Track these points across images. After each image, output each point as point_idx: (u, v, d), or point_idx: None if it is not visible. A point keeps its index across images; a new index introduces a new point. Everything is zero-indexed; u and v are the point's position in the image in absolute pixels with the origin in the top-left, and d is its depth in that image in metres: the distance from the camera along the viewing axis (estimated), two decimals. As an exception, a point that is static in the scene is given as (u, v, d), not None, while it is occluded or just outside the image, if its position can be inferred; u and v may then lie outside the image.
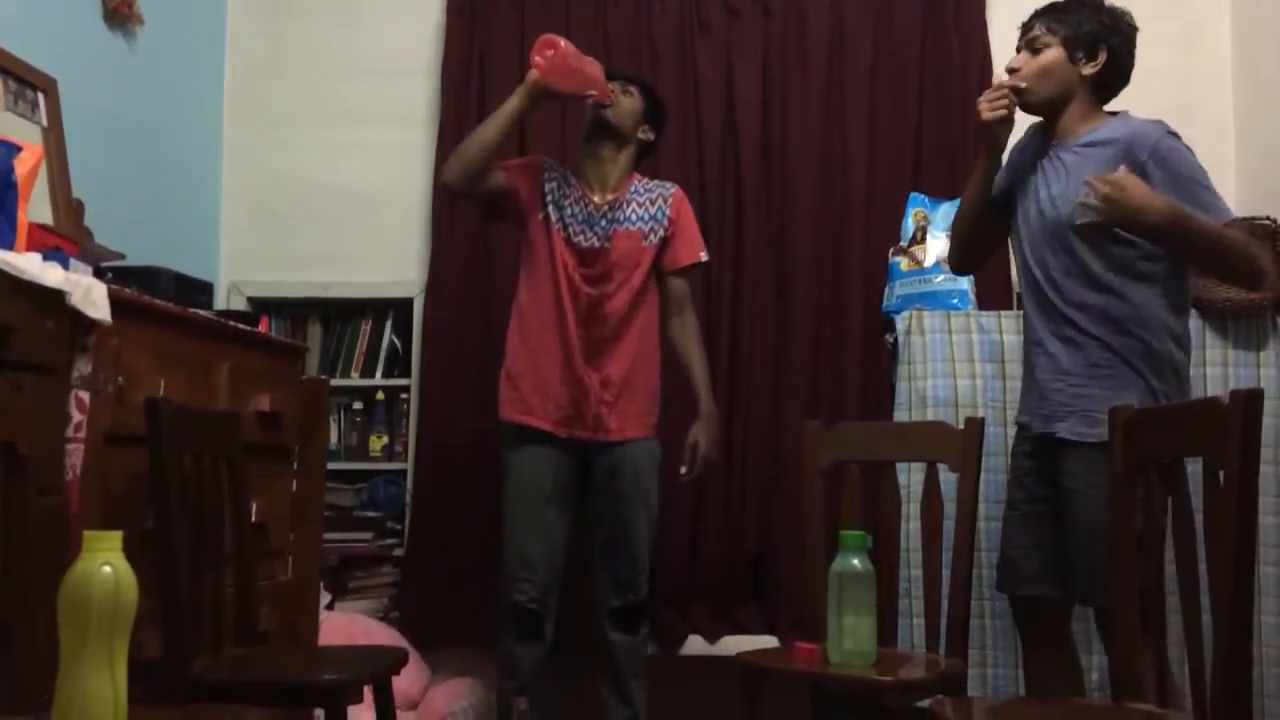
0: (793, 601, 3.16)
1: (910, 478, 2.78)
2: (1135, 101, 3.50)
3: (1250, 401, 1.52)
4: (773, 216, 3.45)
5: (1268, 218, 2.97)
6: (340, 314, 3.63)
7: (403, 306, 3.60)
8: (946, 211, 3.22)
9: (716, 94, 3.47)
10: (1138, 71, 3.47)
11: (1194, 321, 2.94)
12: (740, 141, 3.45)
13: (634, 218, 2.85)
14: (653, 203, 2.87)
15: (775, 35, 3.49)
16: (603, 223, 2.82)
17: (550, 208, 2.83)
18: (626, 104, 2.85)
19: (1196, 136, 3.42)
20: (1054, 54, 2.32)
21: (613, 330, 2.79)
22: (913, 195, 3.31)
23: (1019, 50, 2.38)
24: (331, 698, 2.02)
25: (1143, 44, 3.49)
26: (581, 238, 2.81)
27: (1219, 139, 3.46)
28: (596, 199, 2.84)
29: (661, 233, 2.85)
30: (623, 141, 2.87)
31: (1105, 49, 2.32)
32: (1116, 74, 2.36)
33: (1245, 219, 2.98)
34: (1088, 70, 2.33)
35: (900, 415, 2.99)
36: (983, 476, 2.48)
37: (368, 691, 2.19)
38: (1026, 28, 2.38)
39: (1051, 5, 2.37)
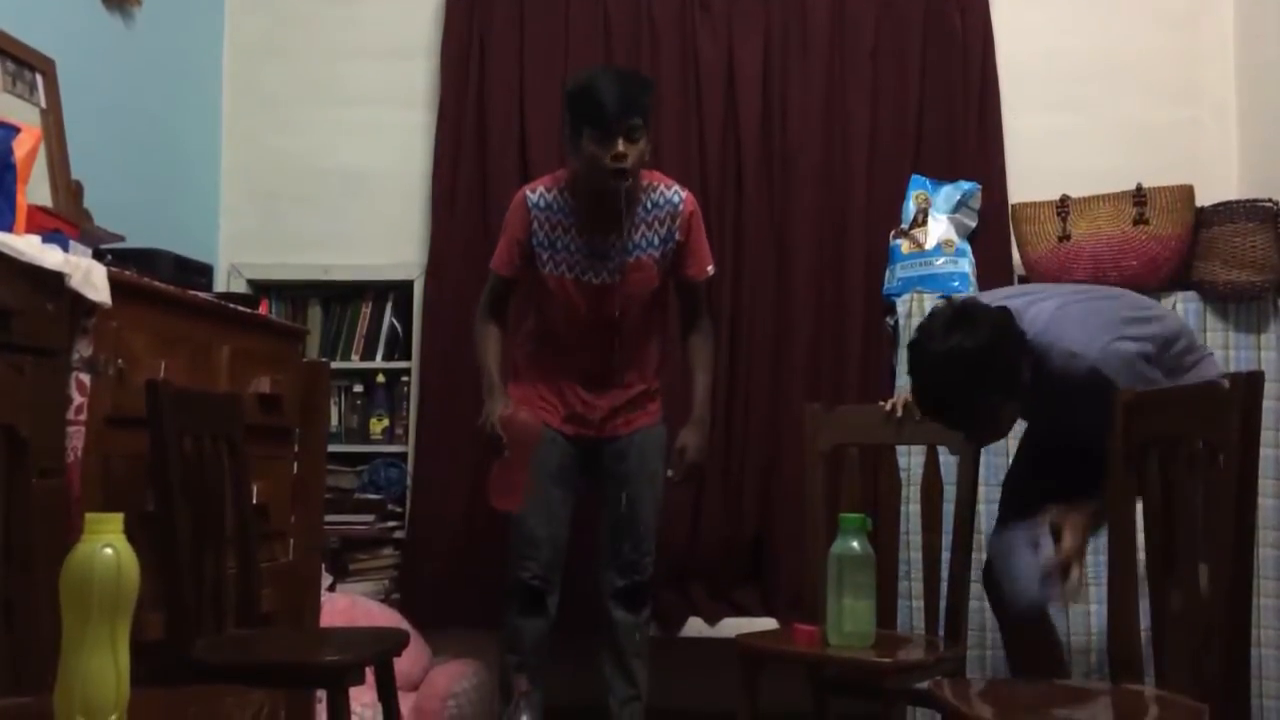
0: (792, 583, 3.17)
1: (910, 460, 2.79)
2: (1139, 81, 3.52)
3: (1251, 384, 1.52)
4: (773, 198, 3.43)
5: (1269, 199, 2.97)
6: (340, 296, 3.63)
7: (403, 289, 3.59)
8: (948, 194, 3.23)
9: (717, 75, 3.45)
10: (1141, 52, 3.49)
11: (1195, 304, 2.95)
12: (741, 123, 3.43)
13: (644, 244, 2.72)
14: (661, 222, 2.72)
15: (776, 15, 3.47)
16: (612, 254, 2.70)
17: (547, 259, 2.71)
18: (635, 157, 2.58)
19: (1199, 117, 3.45)
20: (1003, 410, 2.17)
21: (626, 346, 2.79)
22: (914, 177, 3.31)
23: (968, 430, 2.26)
24: (333, 679, 2.02)
25: (1145, 23, 3.51)
26: (592, 274, 2.71)
27: (1221, 120, 3.45)
28: (603, 234, 2.69)
29: (672, 256, 2.76)
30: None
31: (1018, 375, 2.13)
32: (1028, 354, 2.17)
33: (1247, 201, 2.98)
34: (1017, 400, 2.17)
35: (901, 398, 3.00)
36: (982, 459, 2.48)
37: (369, 673, 2.20)
38: (952, 424, 2.22)
39: (958, 394, 2.10)
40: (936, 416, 2.18)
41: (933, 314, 2.17)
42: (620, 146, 2.55)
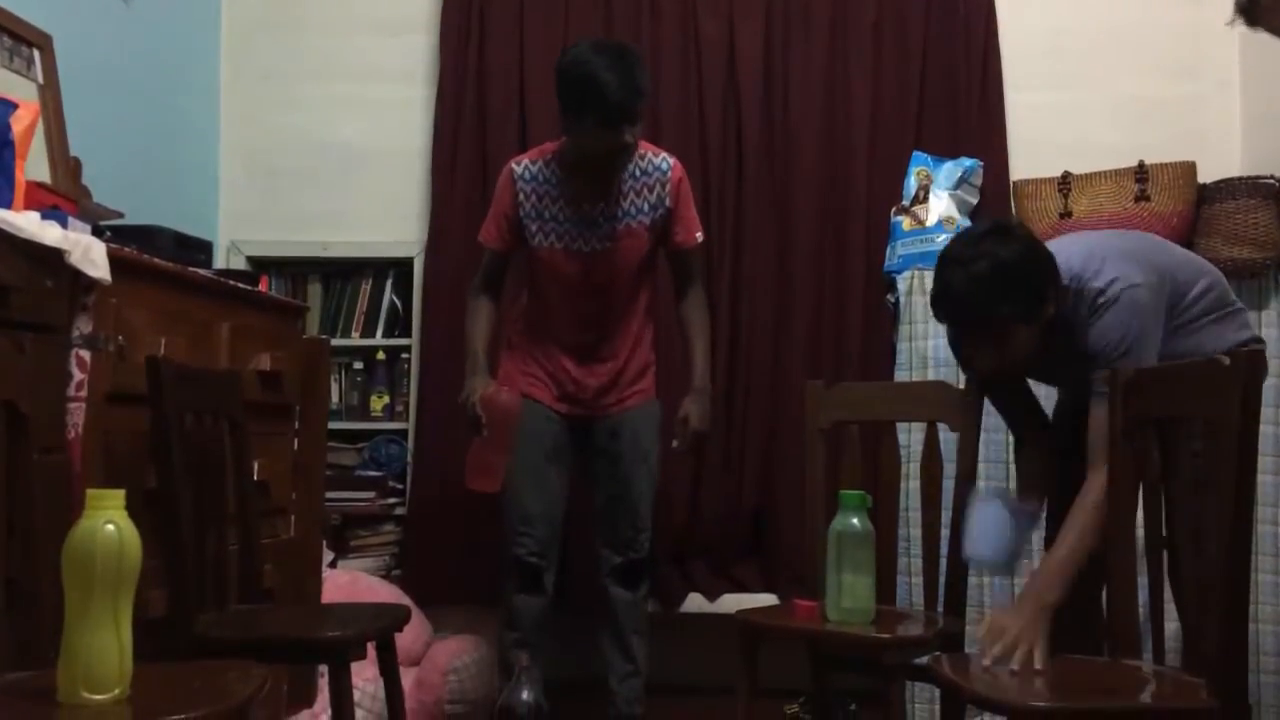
0: (792, 560, 3.18)
1: (910, 437, 2.79)
2: (1142, 57, 3.51)
3: (1252, 362, 1.52)
4: (774, 175, 3.43)
5: (1271, 176, 2.96)
6: (340, 273, 3.62)
7: (403, 266, 3.59)
8: (950, 170, 3.21)
9: (718, 51, 3.44)
10: (1144, 27, 3.47)
11: (1196, 282, 2.94)
12: (742, 99, 3.42)
13: (633, 210, 2.71)
14: (650, 189, 2.72)
15: (778, -10, 3.45)
16: (602, 222, 2.70)
17: (536, 230, 2.71)
18: (628, 148, 2.61)
19: (1202, 93, 3.44)
20: (1019, 336, 2.06)
21: (617, 316, 2.79)
22: (915, 154, 3.29)
23: (978, 344, 2.16)
24: (335, 654, 2.03)
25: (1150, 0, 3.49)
26: (582, 242, 2.71)
27: (1225, 96, 3.43)
28: (590, 203, 2.69)
29: (662, 223, 2.75)
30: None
31: (1042, 303, 2.06)
32: (1060, 291, 2.10)
33: (1249, 178, 2.97)
34: (1035, 332, 2.07)
35: (901, 375, 3.00)
36: (982, 436, 2.48)
37: (371, 648, 2.21)
38: (968, 344, 2.18)
39: (979, 297, 2.03)
40: (951, 322, 2.16)
41: (971, 226, 2.14)
42: (626, 136, 2.56)
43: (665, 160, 2.76)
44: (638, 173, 2.73)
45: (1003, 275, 2.01)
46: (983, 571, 2.33)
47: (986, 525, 2.22)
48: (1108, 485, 1.89)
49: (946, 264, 2.09)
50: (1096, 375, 2.02)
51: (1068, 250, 2.16)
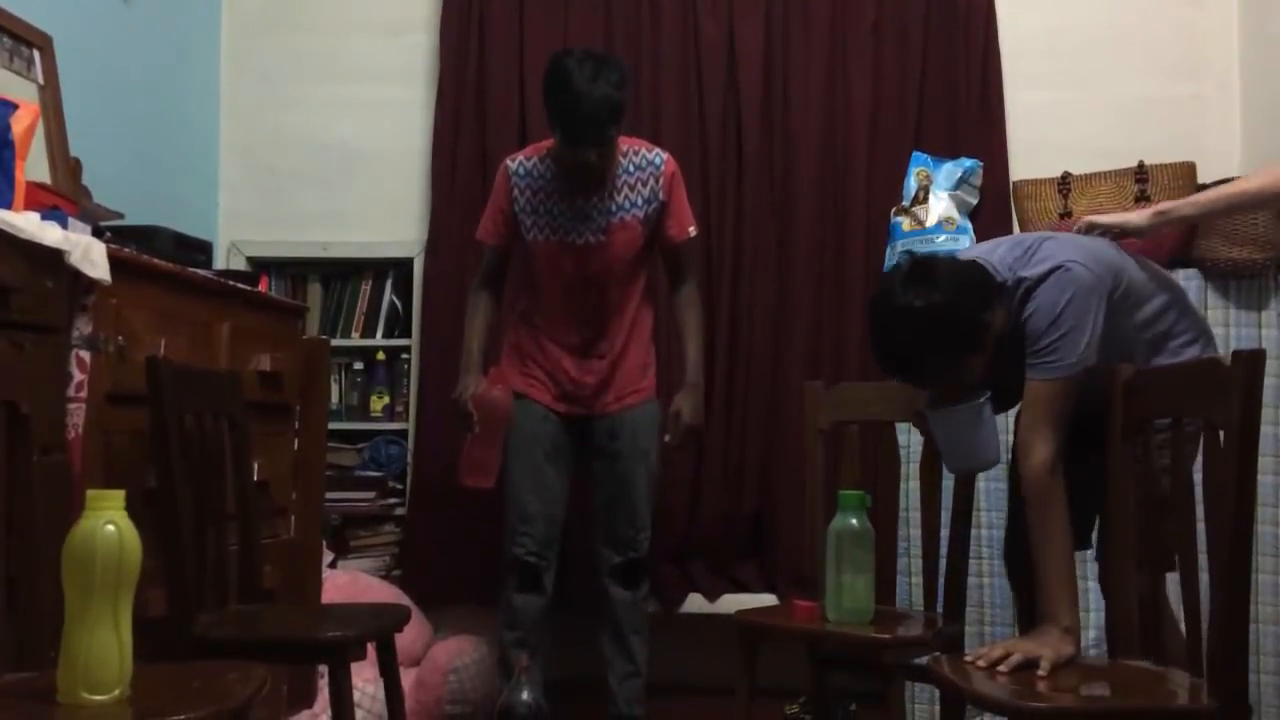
0: (792, 560, 3.18)
1: (910, 438, 2.79)
2: (1142, 57, 3.51)
3: (1252, 362, 1.52)
4: (774, 175, 3.42)
5: (1272, 177, 2.95)
6: (340, 274, 3.62)
7: (403, 266, 3.59)
8: (949, 171, 3.22)
9: (718, 51, 3.43)
10: (1144, 27, 3.47)
11: (1196, 282, 2.94)
12: (742, 99, 3.42)
13: (628, 204, 2.73)
14: (644, 183, 2.75)
15: (778, -10, 3.45)
16: (595, 215, 2.72)
17: (531, 225, 2.74)
18: (605, 161, 2.65)
19: (1202, 93, 3.44)
20: (966, 365, 2.03)
21: (613, 311, 2.79)
22: (915, 154, 3.30)
23: (928, 386, 2.15)
24: (335, 655, 2.03)
25: None
26: (575, 235, 2.73)
27: (1224, 96, 3.43)
28: (584, 196, 2.72)
29: (656, 216, 2.77)
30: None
31: (982, 330, 2.01)
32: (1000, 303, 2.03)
33: (1249, 178, 2.97)
34: (985, 354, 2.04)
35: (901, 375, 2.99)
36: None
37: (371, 648, 2.21)
38: (911, 382, 2.15)
39: (910, 357, 2.03)
40: (894, 374, 2.13)
41: (894, 268, 2.09)
42: (590, 155, 2.60)
43: (658, 155, 2.78)
44: (631, 167, 2.75)
45: (926, 330, 1.98)
46: (973, 472, 2.32)
47: (957, 433, 2.17)
48: (1109, 485, 1.89)
49: (875, 318, 2.06)
50: (1033, 350, 1.97)
51: (1000, 247, 2.10)
